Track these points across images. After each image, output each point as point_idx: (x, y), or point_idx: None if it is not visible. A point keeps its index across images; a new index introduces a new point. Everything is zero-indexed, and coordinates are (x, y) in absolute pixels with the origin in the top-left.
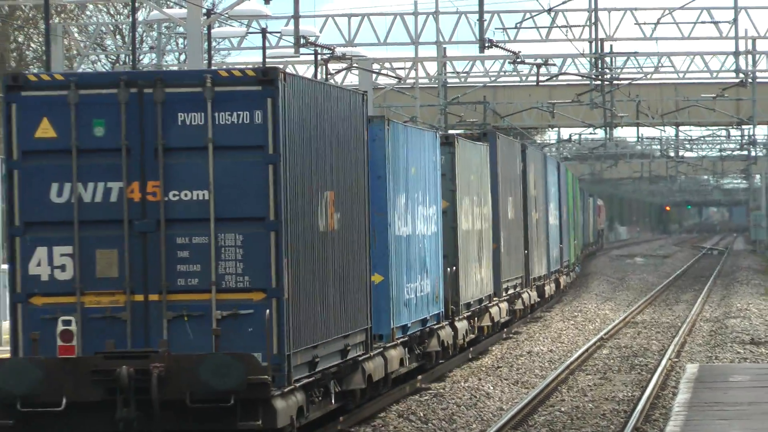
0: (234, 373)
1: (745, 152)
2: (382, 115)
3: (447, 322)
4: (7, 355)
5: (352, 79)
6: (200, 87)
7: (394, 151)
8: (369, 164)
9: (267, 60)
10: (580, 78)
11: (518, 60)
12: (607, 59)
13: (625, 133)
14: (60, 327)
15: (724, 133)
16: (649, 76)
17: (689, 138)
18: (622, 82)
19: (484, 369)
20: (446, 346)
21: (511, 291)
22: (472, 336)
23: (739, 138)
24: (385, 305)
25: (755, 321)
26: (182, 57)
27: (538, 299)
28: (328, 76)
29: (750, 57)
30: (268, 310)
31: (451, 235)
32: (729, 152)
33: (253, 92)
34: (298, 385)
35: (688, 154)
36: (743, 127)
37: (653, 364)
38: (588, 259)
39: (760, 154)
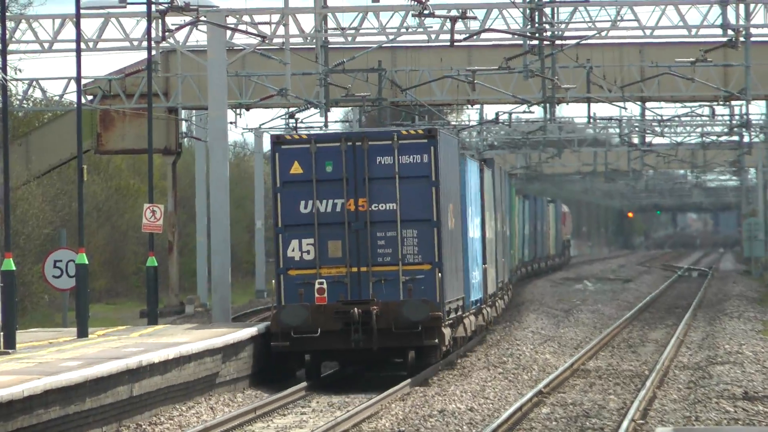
0: (423, 311)
1: (736, 138)
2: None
3: (484, 305)
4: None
5: (199, 37)
6: (390, 141)
7: (466, 177)
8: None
9: (82, 12)
10: (510, 36)
11: (425, 12)
12: (547, 10)
13: (572, 112)
14: (317, 286)
15: (706, 111)
16: (604, 34)
17: (659, 118)
18: (568, 42)
19: None
20: (485, 321)
21: (498, 292)
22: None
23: (728, 118)
24: (466, 285)
25: (749, 368)
26: None
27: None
28: (166, 33)
29: (742, 7)
30: (440, 274)
31: (482, 240)
32: (714, 138)
33: (422, 143)
34: (446, 323)
35: (657, 141)
36: (733, 103)
37: (611, 427)
38: (547, 275)
39: (756, 140)
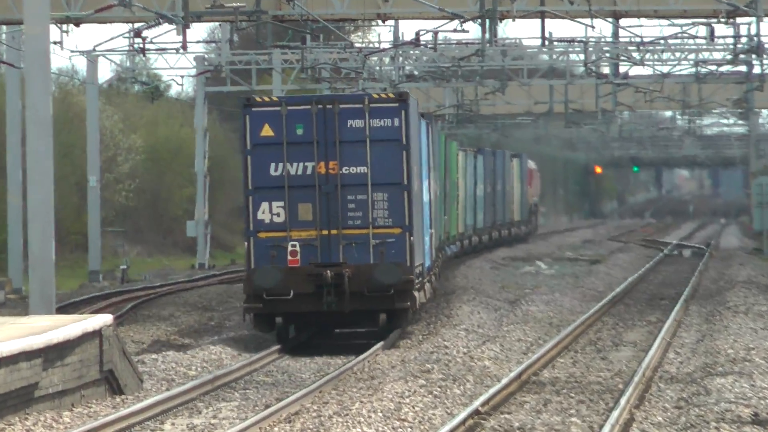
0: (395, 274)
1: (743, 68)
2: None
3: (432, 272)
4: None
5: None
6: (361, 104)
7: (420, 138)
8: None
9: None
10: None
11: None
12: None
13: (521, 32)
14: (290, 248)
15: (702, 32)
16: None
17: (638, 40)
18: None
19: None
20: (433, 289)
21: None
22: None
23: (732, 41)
24: (423, 250)
25: (760, 381)
26: None
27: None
28: None
29: None
30: (411, 238)
31: (429, 203)
32: (712, 68)
33: (393, 107)
34: (416, 287)
35: (635, 72)
36: (738, 21)
37: None
38: (490, 253)
39: None
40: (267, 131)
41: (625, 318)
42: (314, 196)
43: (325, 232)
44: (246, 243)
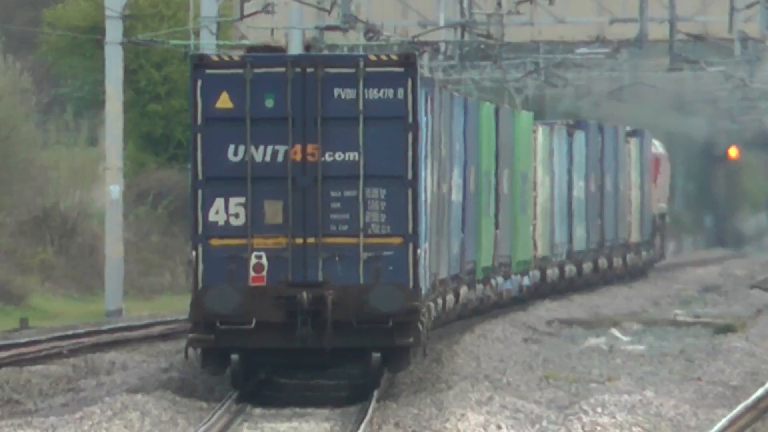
0: (396, 300)
1: None
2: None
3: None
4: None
5: None
6: (354, 68)
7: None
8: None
9: None
10: None
11: None
12: None
13: None
14: (253, 260)
15: None
16: None
17: None
18: None
19: None
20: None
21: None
22: None
23: None
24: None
25: None
26: None
27: None
28: None
29: None
30: (417, 251)
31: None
32: None
33: (397, 73)
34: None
35: None
36: None
37: None
38: (524, 311)
39: None
40: (225, 102)
41: None
42: (286, 191)
43: (299, 240)
44: (193, 252)
